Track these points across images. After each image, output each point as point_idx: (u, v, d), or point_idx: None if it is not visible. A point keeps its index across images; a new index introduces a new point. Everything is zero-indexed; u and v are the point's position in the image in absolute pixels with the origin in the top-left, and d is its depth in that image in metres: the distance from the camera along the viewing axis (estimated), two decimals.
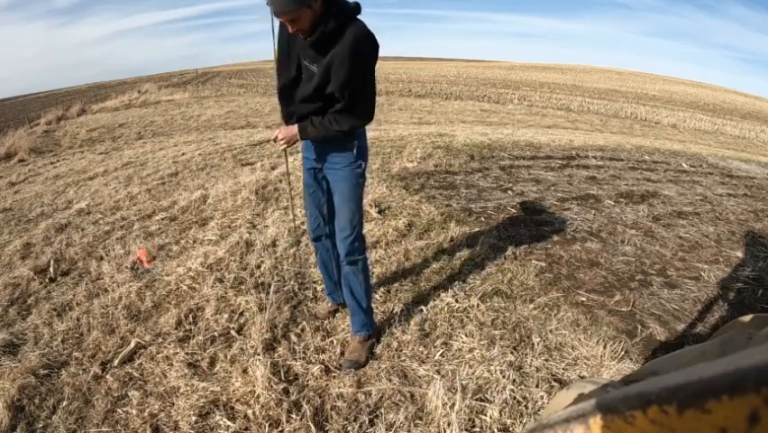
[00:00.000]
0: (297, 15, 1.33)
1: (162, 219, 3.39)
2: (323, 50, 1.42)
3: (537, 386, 1.68)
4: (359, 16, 1.44)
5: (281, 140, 1.60)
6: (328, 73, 1.43)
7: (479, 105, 14.99)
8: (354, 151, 1.62)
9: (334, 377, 1.72)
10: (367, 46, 1.42)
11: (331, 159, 1.65)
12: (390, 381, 1.69)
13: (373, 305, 2.13)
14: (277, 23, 1.54)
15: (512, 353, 1.85)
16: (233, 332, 1.98)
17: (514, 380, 1.69)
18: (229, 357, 1.82)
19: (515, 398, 1.61)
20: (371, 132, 6.19)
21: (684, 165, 5.89)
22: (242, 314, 2.11)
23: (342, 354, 1.84)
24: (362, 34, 1.40)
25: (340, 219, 1.70)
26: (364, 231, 1.93)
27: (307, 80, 1.53)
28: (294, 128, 1.58)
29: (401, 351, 1.87)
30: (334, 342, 1.90)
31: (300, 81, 1.56)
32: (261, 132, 8.33)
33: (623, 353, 1.88)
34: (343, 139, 1.59)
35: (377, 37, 1.45)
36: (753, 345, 0.54)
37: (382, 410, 1.57)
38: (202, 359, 1.82)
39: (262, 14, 1.56)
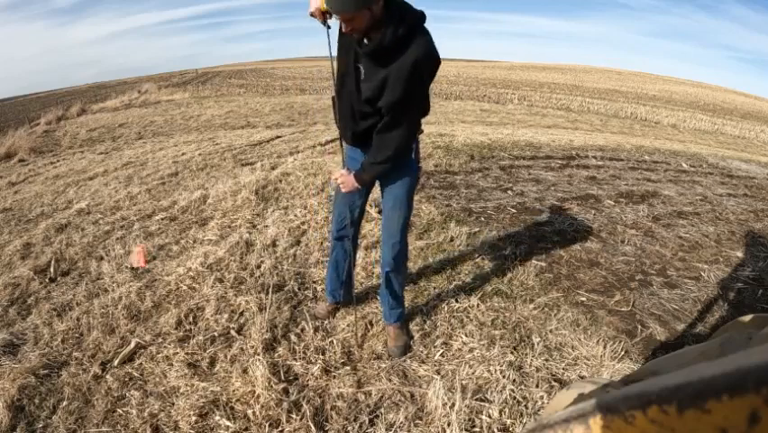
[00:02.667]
0: (354, 15, 1.27)
1: (162, 219, 3.39)
2: (380, 61, 1.36)
3: (537, 386, 1.68)
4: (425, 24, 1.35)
5: (341, 185, 1.60)
6: (383, 87, 1.38)
7: (479, 105, 14.99)
8: (412, 154, 1.61)
9: (334, 377, 1.72)
10: (428, 67, 1.35)
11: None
12: (390, 381, 1.69)
13: (373, 305, 2.14)
14: (334, 28, 1.48)
15: (512, 353, 1.85)
16: (233, 332, 1.98)
17: (514, 380, 1.69)
18: (229, 357, 1.82)
19: (515, 398, 1.61)
20: None
21: (684, 165, 5.89)
22: (242, 314, 2.11)
23: (347, 353, 1.84)
24: (426, 53, 1.32)
25: (391, 225, 1.69)
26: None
27: (357, 89, 1.47)
28: (352, 178, 1.57)
29: None
30: (334, 342, 1.90)
31: (354, 85, 1.49)
32: (261, 132, 8.33)
33: (623, 353, 1.88)
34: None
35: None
36: (753, 345, 0.54)
37: (382, 410, 1.57)
38: (202, 359, 1.82)
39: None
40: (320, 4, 1.42)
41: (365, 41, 1.37)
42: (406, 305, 2.13)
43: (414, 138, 1.52)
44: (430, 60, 1.34)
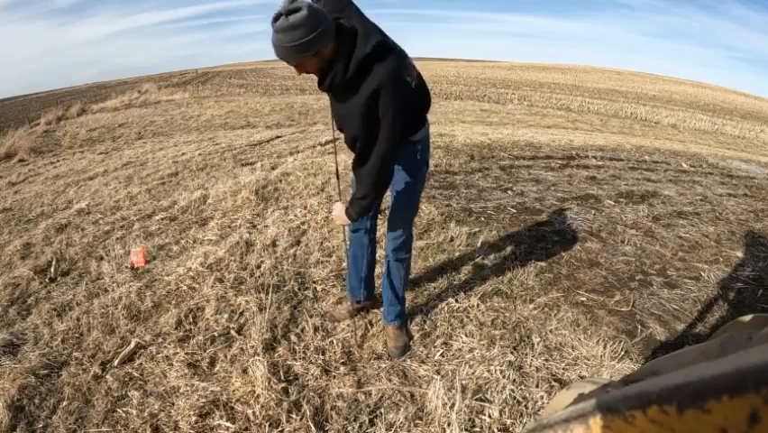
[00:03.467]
0: (300, 63, 1.26)
1: (162, 219, 3.39)
2: (338, 97, 1.35)
3: (537, 386, 1.68)
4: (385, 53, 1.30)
5: (335, 218, 1.63)
6: (342, 123, 1.38)
7: (479, 105, 14.98)
8: (418, 155, 1.58)
9: (334, 377, 1.72)
10: (387, 96, 1.27)
11: (396, 162, 1.58)
12: (390, 381, 1.69)
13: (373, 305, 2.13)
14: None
15: (512, 353, 1.85)
16: (233, 332, 1.98)
17: (514, 380, 1.69)
18: (229, 357, 1.82)
19: (515, 398, 1.61)
20: None
21: (684, 165, 5.89)
22: (242, 314, 2.11)
23: (347, 353, 1.84)
24: (381, 84, 1.25)
25: (395, 217, 1.70)
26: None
27: (338, 120, 1.47)
28: (343, 213, 1.56)
29: None
30: (334, 342, 1.90)
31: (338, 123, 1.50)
32: (261, 132, 8.33)
33: (623, 353, 1.88)
34: (407, 143, 1.53)
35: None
36: (753, 345, 0.54)
37: (382, 410, 1.57)
38: (202, 359, 1.82)
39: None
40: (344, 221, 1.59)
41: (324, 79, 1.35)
42: (407, 305, 2.13)
43: (391, 167, 1.46)
44: (388, 89, 1.27)
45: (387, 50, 1.30)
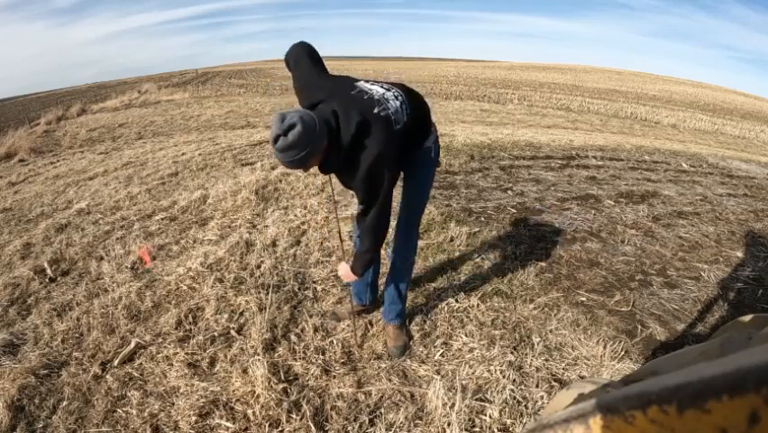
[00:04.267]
0: (307, 168, 1.37)
1: (162, 219, 3.39)
2: (341, 174, 1.47)
3: (537, 386, 1.68)
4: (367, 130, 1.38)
5: (342, 277, 1.68)
6: (346, 184, 1.47)
7: (479, 105, 14.98)
8: (432, 154, 1.64)
9: (334, 377, 1.72)
10: (378, 166, 1.38)
11: (411, 166, 1.65)
12: (390, 381, 1.69)
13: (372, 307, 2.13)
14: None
15: (512, 353, 1.85)
16: (233, 332, 1.98)
17: (514, 380, 1.69)
18: (229, 357, 1.82)
19: (515, 398, 1.61)
20: None
21: (684, 165, 5.89)
22: (242, 314, 2.11)
23: (347, 353, 1.84)
24: (371, 163, 1.36)
25: (407, 213, 1.73)
26: None
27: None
28: (348, 268, 1.63)
29: None
30: (334, 342, 1.90)
31: None
32: (261, 132, 8.33)
33: (623, 353, 1.88)
34: (423, 150, 1.61)
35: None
36: (753, 345, 0.54)
37: (382, 410, 1.57)
38: (202, 359, 1.82)
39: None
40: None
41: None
42: (406, 304, 2.13)
43: (387, 222, 1.54)
44: (375, 167, 1.36)
45: (368, 124, 1.36)
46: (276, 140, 1.26)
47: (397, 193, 1.68)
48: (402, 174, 1.71)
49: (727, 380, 0.21)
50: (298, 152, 1.26)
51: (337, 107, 1.35)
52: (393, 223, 1.78)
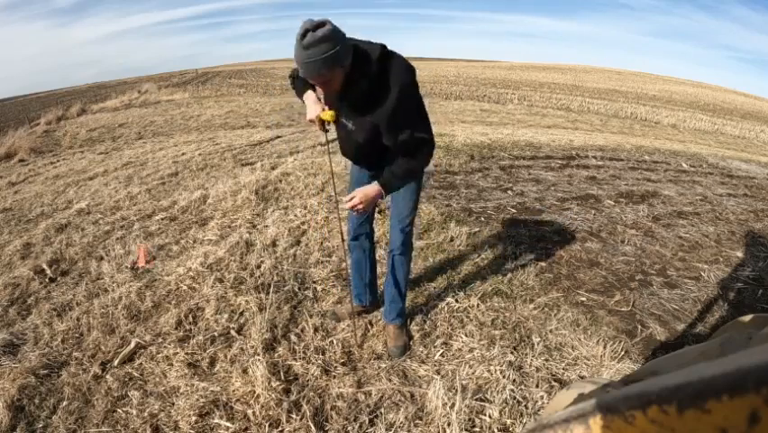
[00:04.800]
0: (328, 78, 1.31)
1: (162, 219, 3.39)
2: (363, 110, 1.39)
3: (537, 386, 1.68)
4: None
5: (361, 205, 1.47)
6: (377, 133, 1.41)
7: (479, 105, 14.98)
8: None
9: (334, 377, 1.72)
10: (409, 89, 1.38)
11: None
12: (390, 381, 1.69)
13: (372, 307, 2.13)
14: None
15: (512, 353, 1.85)
16: (233, 332, 1.98)
17: (514, 380, 1.69)
18: (229, 357, 1.82)
19: (515, 398, 1.61)
20: None
21: (684, 165, 5.89)
22: (242, 314, 2.11)
23: (347, 353, 1.84)
24: (402, 81, 1.34)
25: (400, 210, 1.72)
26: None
27: (346, 137, 1.54)
28: (373, 189, 1.46)
29: None
30: (334, 342, 1.90)
31: (345, 134, 1.55)
32: (261, 132, 8.33)
33: (623, 353, 1.88)
34: None
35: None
36: (753, 345, 0.54)
37: (382, 410, 1.57)
38: (202, 359, 1.82)
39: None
40: (319, 112, 1.51)
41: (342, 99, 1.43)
42: (406, 305, 2.13)
43: (432, 144, 1.52)
44: (407, 83, 1.37)
45: (391, 53, 1.38)
46: (304, 35, 1.22)
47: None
48: None
49: (727, 380, 0.21)
50: (327, 48, 1.22)
51: (357, 42, 1.37)
52: (389, 223, 1.79)
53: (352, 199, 1.47)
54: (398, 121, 1.37)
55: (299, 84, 1.63)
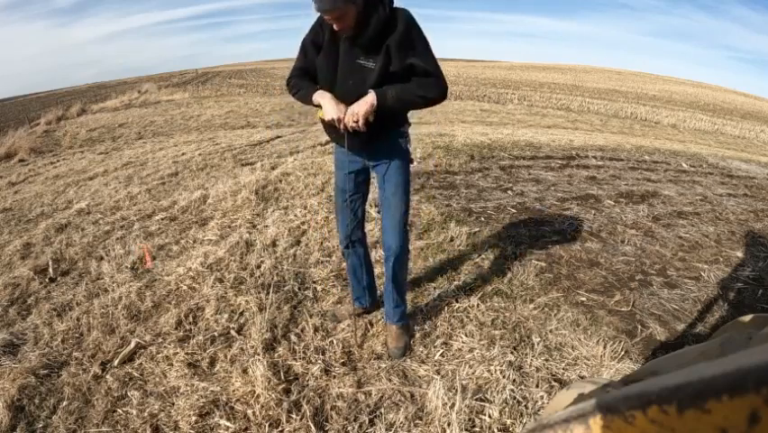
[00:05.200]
0: (342, 12, 1.33)
1: (162, 219, 3.39)
2: (374, 49, 1.42)
3: (537, 386, 1.68)
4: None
5: (356, 117, 1.40)
6: (388, 57, 1.41)
7: (479, 105, 14.98)
8: (405, 144, 1.63)
9: (334, 377, 1.72)
10: (420, 29, 1.45)
11: (383, 152, 1.62)
12: (390, 381, 1.69)
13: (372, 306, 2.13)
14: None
15: (512, 353, 1.85)
16: (233, 332, 1.98)
17: (514, 380, 1.69)
18: (229, 357, 1.82)
19: (515, 398, 1.61)
20: None
21: (684, 165, 5.89)
22: (242, 314, 2.11)
23: (347, 353, 1.84)
24: (411, 20, 1.41)
25: (392, 212, 1.68)
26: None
27: (360, 80, 1.45)
28: (369, 98, 1.40)
29: None
30: (334, 342, 1.90)
31: (343, 83, 1.49)
32: (261, 132, 8.33)
33: (623, 353, 1.87)
34: (396, 132, 1.60)
35: None
36: (753, 345, 0.54)
37: (382, 410, 1.56)
38: (202, 359, 1.82)
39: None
40: (344, 111, 1.44)
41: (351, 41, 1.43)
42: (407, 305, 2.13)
43: (445, 91, 1.48)
44: (416, 23, 1.43)
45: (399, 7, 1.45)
46: None
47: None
48: (376, 177, 1.71)
49: (727, 380, 0.21)
50: None
51: None
52: (384, 224, 1.77)
53: (343, 120, 1.43)
54: (410, 41, 1.40)
55: (304, 83, 1.56)
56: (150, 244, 2.90)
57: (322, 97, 1.48)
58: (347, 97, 1.47)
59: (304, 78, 1.59)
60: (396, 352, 1.82)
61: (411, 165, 1.71)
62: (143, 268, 2.62)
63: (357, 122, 1.42)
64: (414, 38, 1.42)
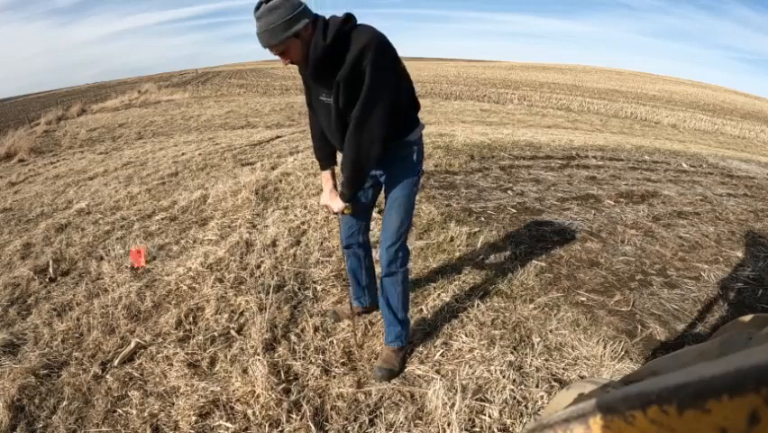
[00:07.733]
0: (285, 47, 1.28)
1: (162, 219, 3.39)
2: (327, 80, 1.33)
3: (537, 386, 1.68)
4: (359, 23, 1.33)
5: (336, 213, 1.62)
6: (337, 97, 1.34)
7: (479, 105, 14.98)
8: (415, 156, 1.57)
9: (334, 377, 1.72)
10: (372, 56, 1.26)
11: (388, 164, 1.57)
12: (390, 381, 1.69)
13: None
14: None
15: (512, 353, 1.84)
16: (233, 332, 1.98)
17: (514, 380, 1.69)
18: (229, 357, 1.82)
19: (515, 398, 1.61)
20: None
21: (684, 165, 5.89)
22: (242, 314, 2.11)
23: (347, 353, 1.84)
24: (364, 45, 1.25)
25: (388, 227, 1.60)
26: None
27: (326, 115, 1.44)
28: (337, 199, 1.59)
29: None
30: (334, 342, 1.90)
31: (322, 120, 1.52)
32: (261, 132, 8.33)
33: (623, 353, 1.87)
34: (404, 145, 1.53)
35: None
36: (753, 345, 0.54)
37: (382, 410, 1.56)
38: (202, 359, 1.82)
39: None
40: (342, 207, 1.60)
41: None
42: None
43: (382, 141, 1.39)
44: (369, 50, 1.26)
45: (357, 24, 1.33)
46: (258, 7, 1.24)
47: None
48: (384, 186, 1.68)
49: (727, 380, 0.21)
50: (278, 16, 1.21)
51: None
52: (379, 225, 1.76)
53: (325, 203, 1.66)
54: (357, 76, 1.27)
55: (318, 154, 1.68)
56: (143, 246, 2.90)
57: (324, 184, 1.68)
58: (330, 134, 1.53)
59: (316, 138, 1.67)
60: (378, 373, 1.68)
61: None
62: (139, 268, 2.62)
63: (338, 214, 1.61)
64: (363, 71, 1.26)
